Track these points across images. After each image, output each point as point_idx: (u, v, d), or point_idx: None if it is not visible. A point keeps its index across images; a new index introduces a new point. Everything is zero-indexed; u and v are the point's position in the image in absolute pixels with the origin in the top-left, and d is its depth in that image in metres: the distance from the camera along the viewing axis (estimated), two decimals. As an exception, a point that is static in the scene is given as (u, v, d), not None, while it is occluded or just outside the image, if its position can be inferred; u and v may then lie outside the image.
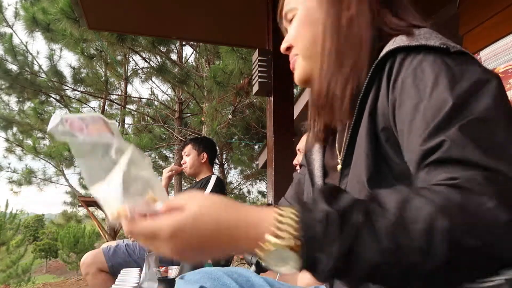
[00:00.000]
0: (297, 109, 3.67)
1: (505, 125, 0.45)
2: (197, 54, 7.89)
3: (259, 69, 2.33)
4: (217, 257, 0.43)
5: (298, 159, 2.00)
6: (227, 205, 0.47)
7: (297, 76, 0.74)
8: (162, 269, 1.32)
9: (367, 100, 0.60)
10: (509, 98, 0.51)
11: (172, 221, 0.45)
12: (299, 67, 0.73)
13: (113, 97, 9.54)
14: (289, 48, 0.74)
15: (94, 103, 10.00)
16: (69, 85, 8.27)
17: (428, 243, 0.39)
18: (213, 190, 2.58)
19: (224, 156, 8.71)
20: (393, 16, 0.66)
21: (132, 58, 8.14)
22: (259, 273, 0.81)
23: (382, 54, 0.58)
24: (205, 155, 2.74)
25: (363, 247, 0.40)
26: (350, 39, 0.64)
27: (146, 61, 7.39)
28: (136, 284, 1.33)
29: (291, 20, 0.74)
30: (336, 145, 0.74)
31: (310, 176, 0.78)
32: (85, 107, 9.47)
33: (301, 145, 1.93)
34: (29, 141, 8.98)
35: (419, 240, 0.39)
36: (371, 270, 0.41)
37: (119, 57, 8.27)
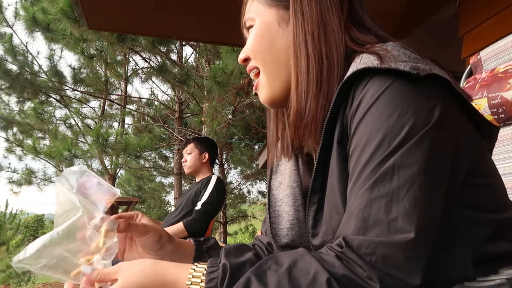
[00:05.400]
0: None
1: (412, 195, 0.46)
2: (197, 54, 7.89)
3: (259, 69, 2.32)
4: None
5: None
6: (150, 269, 0.57)
7: (265, 97, 0.69)
8: None
9: (335, 124, 0.57)
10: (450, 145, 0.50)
11: None
12: (264, 87, 0.69)
13: (113, 97, 9.55)
14: (246, 60, 0.71)
15: (94, 103, 10.02)
16: (69, 85, 8.28)
17: None
18: (214, 190, 2.58)
19: (224, 156, 8.71)
20: (357, 29, 0.62)
21: (132, 58, 8.15)
22: None
23: (348, 74, 0.54)
24: (207, 155, 2.75)
25: None
26: (323, 58, 0.60)
27: (146, 61, 7.40)
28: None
29: (249, 29, 0.71)
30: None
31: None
32: (85, 107, 9.49)
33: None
34: (29, 141, 8.98)
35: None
36: None
37: (119, 57, 8.27)
